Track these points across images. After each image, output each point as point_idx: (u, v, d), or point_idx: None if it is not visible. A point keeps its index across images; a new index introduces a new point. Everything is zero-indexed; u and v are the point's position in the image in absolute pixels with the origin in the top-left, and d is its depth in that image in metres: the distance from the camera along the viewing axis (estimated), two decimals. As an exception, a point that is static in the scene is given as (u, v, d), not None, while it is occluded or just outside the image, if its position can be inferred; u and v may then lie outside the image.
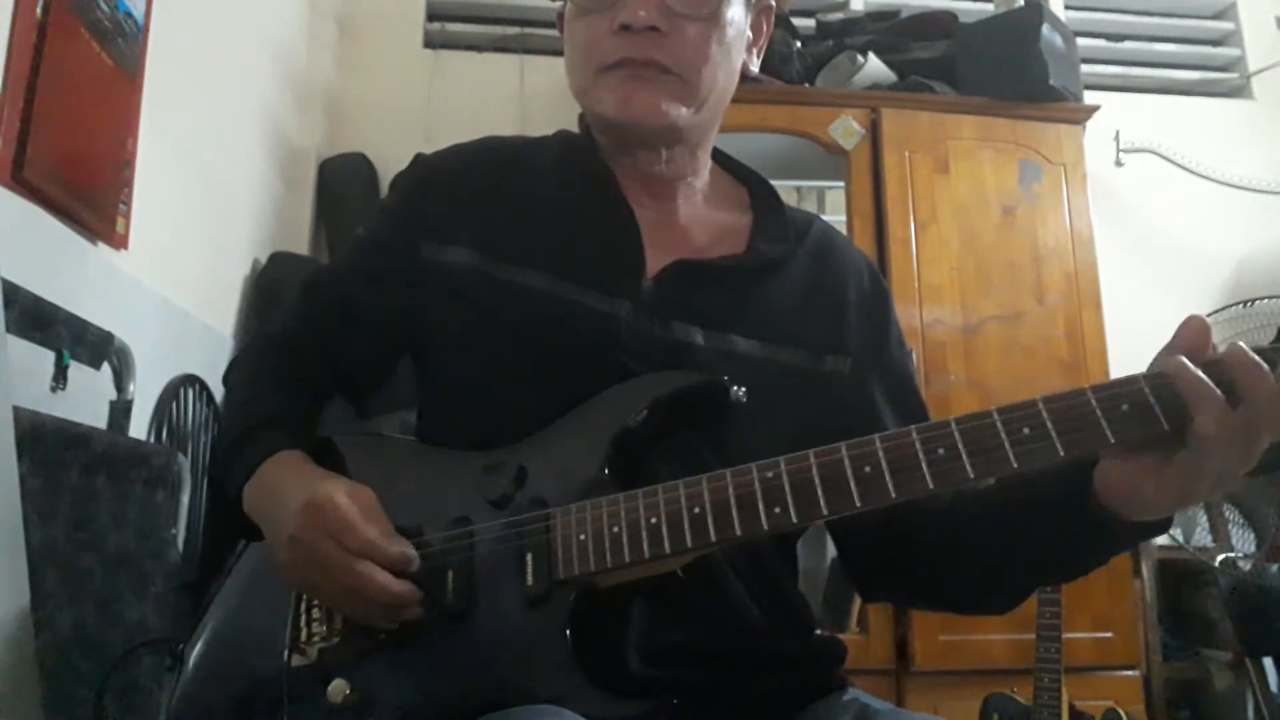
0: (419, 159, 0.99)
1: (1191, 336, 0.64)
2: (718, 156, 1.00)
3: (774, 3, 0.97)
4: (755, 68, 0.97)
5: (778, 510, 0.69)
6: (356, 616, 0.76)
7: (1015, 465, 0.64)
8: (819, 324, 0.90)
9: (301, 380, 0.94)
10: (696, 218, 0.94)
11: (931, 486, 0.66)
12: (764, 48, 0.98)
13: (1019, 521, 0.77)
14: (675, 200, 0.94)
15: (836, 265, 0.95)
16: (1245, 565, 2.26)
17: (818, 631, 0.91)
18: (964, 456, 0.65)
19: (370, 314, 0.94)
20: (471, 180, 0.94)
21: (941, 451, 0.66)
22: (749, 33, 0.94)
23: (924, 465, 0.66)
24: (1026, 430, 0.64)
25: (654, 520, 0.71)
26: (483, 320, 0.87)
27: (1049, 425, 0.63)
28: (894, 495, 0.66)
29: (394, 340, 0.95)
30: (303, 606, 0.81)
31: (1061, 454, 0.63)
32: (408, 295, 0.92)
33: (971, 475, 0.65)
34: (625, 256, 0.88)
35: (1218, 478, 0.62)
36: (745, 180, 1.00)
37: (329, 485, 0.77)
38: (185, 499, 1.49)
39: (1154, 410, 0.62)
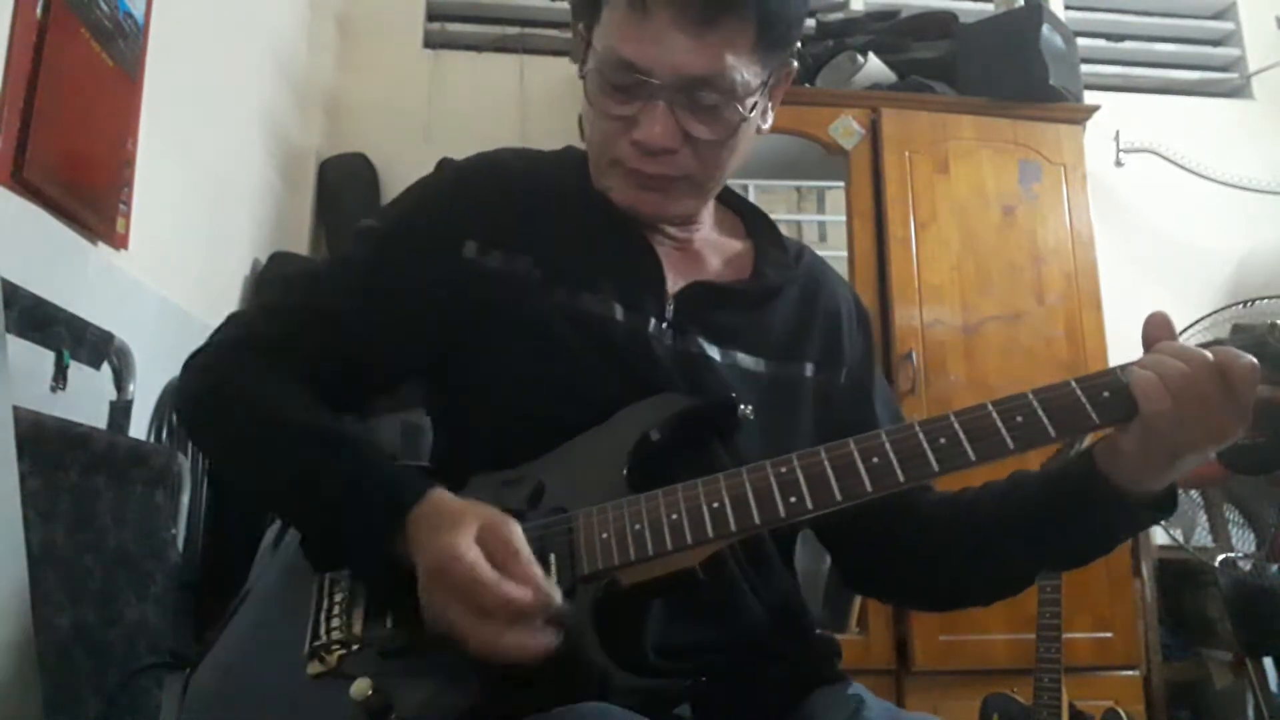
0: (448, 163, 0.97)
1: (1154, 331, 0.76)
2: None
3: (795, 63, 0.93)
4: (768, 126, 0.94)
5: (794, 499, 0.73)
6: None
7: (1012, 446, 0.71)
8: (817, 342, 0.97)
9: (316, 388, 0.87)
10: (708, 242, 0.99)
11: (936, 469, 0.71)
12: (780, 99, 0.94)
13: (1029, 508, 0.83)
14: (690, 229, 0.97)
15: (828, 289, 1.02)
16: (1245, 565, 2.25)
17: (817, 631, 0.94)
18: (965, 443, 0.71)
19: (393, 314, 0.89)
20: (512, 188, 0.93)
21: (944, 440, 0.72)
22: (770, 105, 0.92)
23: (929, 453, 0.72)
24: (1020, 418, 0.71)
25: (674, 516, 0.74)
26: (517, 328, 0.87)
27: (1040, 413, 0.71)
28: (902, 479, 0.72)
29: (423, 340, 0.90)
30: (322, 614, 0.80)
31: (1053, 435, 0.71)
32: (443, 297, 0.88)
33: (973, 459, 0.71)
34: (648, 275, 0.91)
35: (1188, 438, 0.71)
36: (737, 208, 1.04)
37: (453, 536, 0.70)
38: (185, 499, 1.49)
39: (1132, 394, 0.71)
